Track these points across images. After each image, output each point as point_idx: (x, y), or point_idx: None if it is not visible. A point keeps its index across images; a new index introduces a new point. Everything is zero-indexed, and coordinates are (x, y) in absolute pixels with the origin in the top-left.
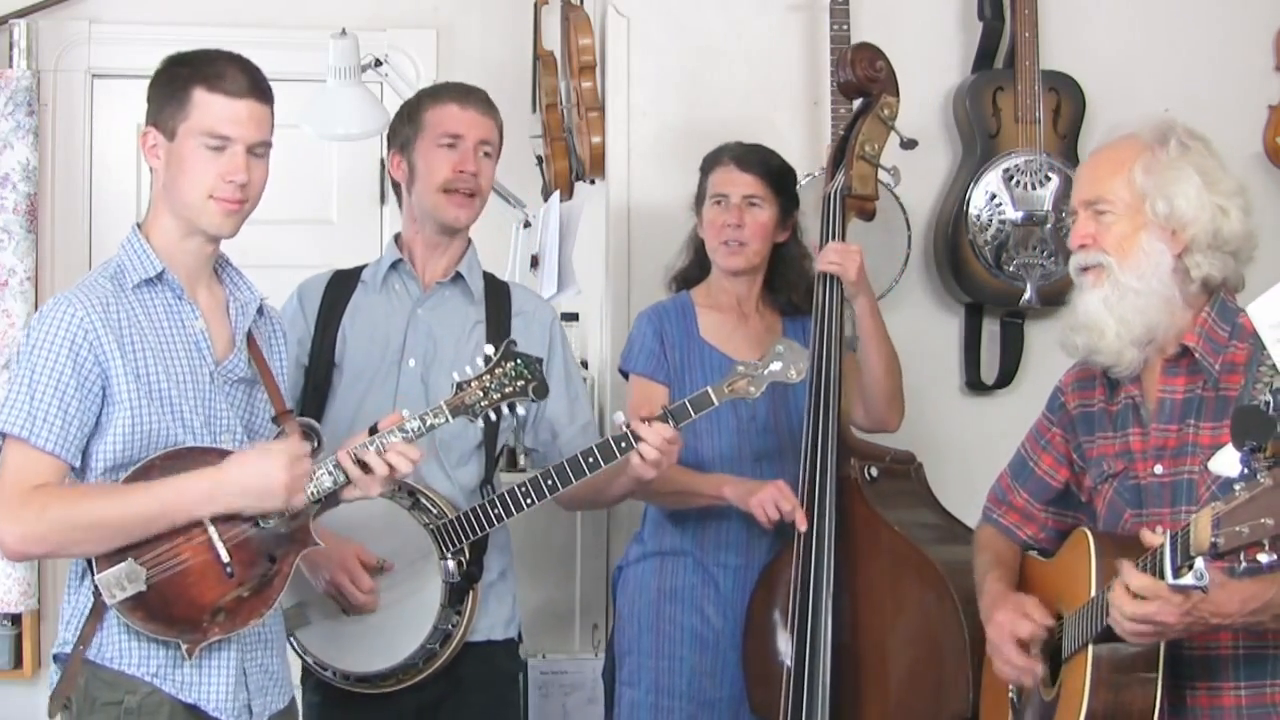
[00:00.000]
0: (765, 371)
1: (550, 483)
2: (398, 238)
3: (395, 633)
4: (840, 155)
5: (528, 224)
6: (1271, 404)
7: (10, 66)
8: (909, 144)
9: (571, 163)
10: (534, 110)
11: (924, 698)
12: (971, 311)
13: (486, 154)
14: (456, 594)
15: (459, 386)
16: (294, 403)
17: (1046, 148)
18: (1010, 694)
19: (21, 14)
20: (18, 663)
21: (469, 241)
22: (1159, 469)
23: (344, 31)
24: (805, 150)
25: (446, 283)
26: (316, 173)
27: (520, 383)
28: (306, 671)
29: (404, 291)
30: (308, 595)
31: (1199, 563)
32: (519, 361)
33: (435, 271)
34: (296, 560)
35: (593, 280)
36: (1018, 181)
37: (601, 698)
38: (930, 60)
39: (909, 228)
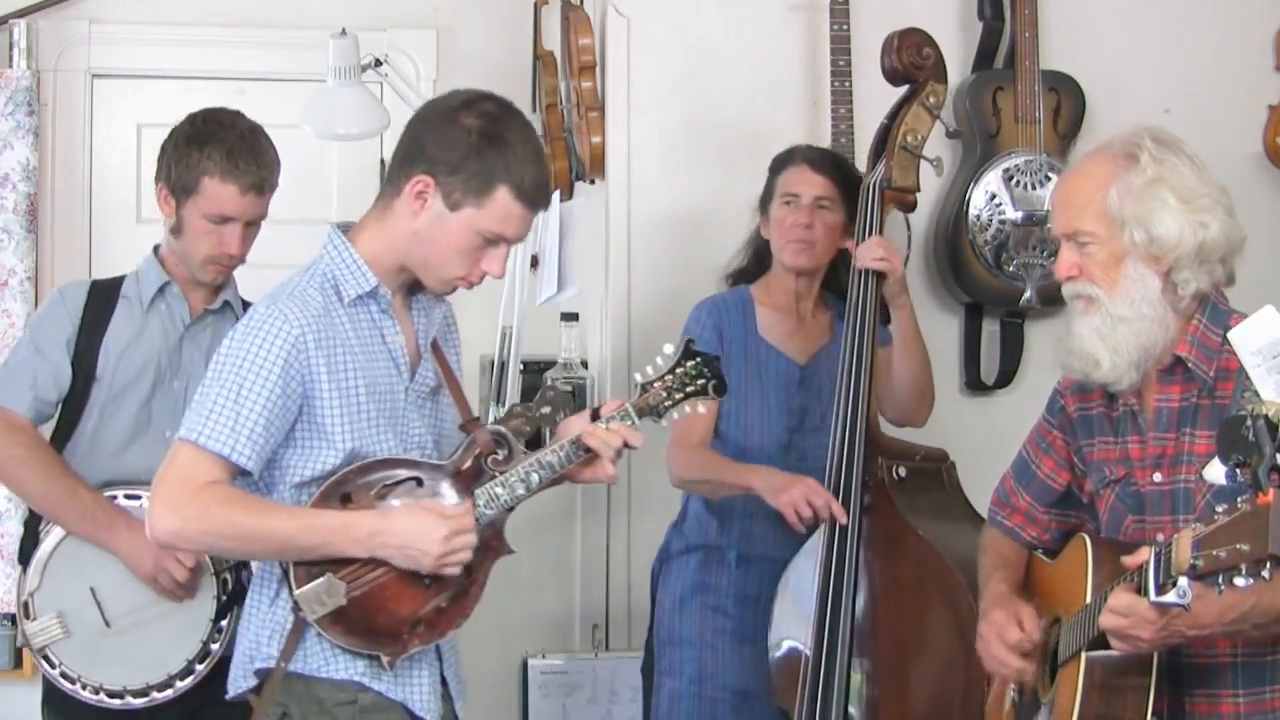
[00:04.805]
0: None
1: None
2: (157, 249)
3: (162, 646)
4: (881, 145)
5: None
6: (1251, 428)
7: (10, 66)
8: (956, 133)
9: (571, 163)
10: (534, 110)
11: (940, 702)
12: (971, 311)
13: (249, 223)
14: (222, 611)
15: (643, 388)
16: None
17: (1046, 148)
18: (1011, 693)
19: (21, 14)
20: (18, 663)
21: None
22: (1157, 477)
23: (344, 31)
24: None
25: (215, 309)
26: (316, 173)
27: (700, 380)
28: (48, 694)
29: (170, 315)
30: (67, 605)
31: (1182, 581)
32: (699, 360)
33: (202, 298)
34: (491, 568)
35: (593, 280)
36: (1018, 181)
37: (602, 698)
38: None
39: (909, 227)
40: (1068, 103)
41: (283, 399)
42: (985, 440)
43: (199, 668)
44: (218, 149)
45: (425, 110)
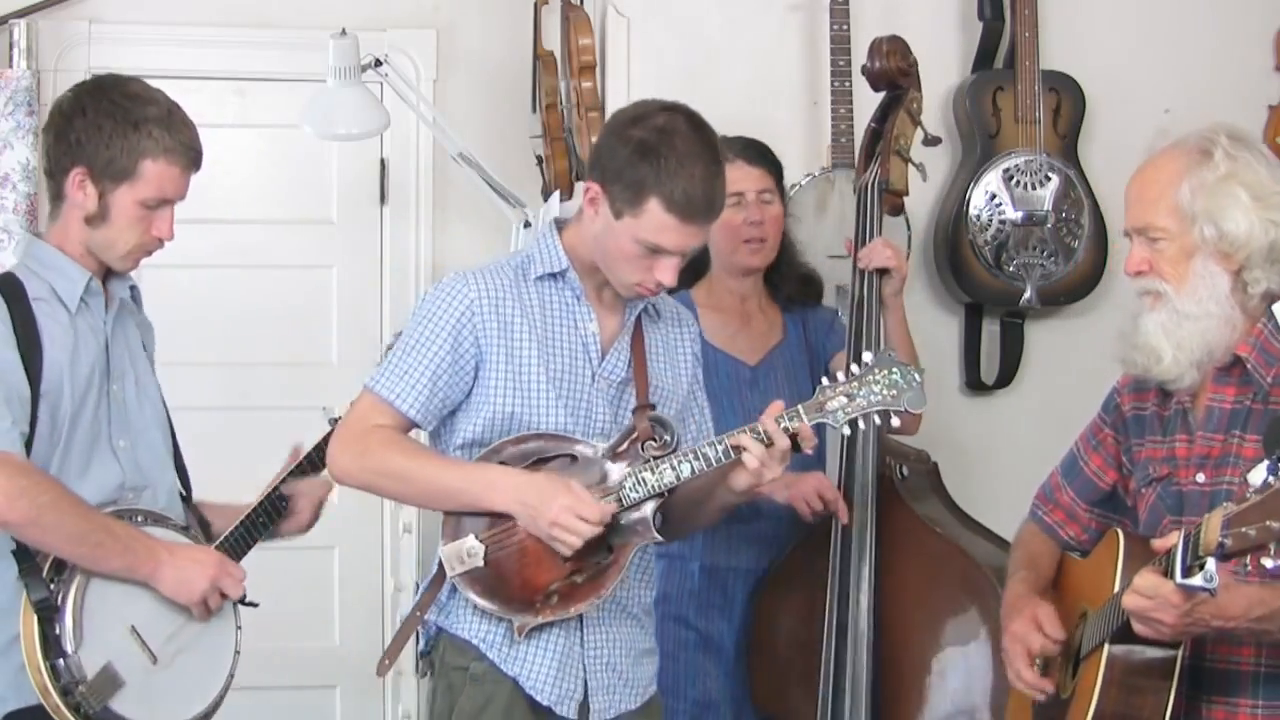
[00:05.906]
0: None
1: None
2: (41, 238)
3: (205, 665)
4: (873, 148)
5: (528, 224)
6: None
7: (10, 66)
8: (933, 140)
9: (571, 163)
10: (534, 110)
11: (960, 700)
12: (971, 311)
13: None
14: (238, 612)
15: (821, 390)
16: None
17: (1046, 148)
18: None
19: (21, 14)
20: None
21: None
22: (1200, 477)
23: (344, 31)
24: (805, 150)
25: (127, 300)
26: (316, 173)
27: (891, 393)
28: None
29: (91, 313)
30: (113, 653)
31: (1210, 564)
32: (893, 371)
33: (116, 289)
34: (634, 552)
35: None
36: (1018, 181)
37: None
38: (930, 60)
39: (909, 227)
40: (1068, 103)
41: (452, 356)
42: (985, 440)
43: (233, 675)
44: (155, 127)
45: (611, 118)
